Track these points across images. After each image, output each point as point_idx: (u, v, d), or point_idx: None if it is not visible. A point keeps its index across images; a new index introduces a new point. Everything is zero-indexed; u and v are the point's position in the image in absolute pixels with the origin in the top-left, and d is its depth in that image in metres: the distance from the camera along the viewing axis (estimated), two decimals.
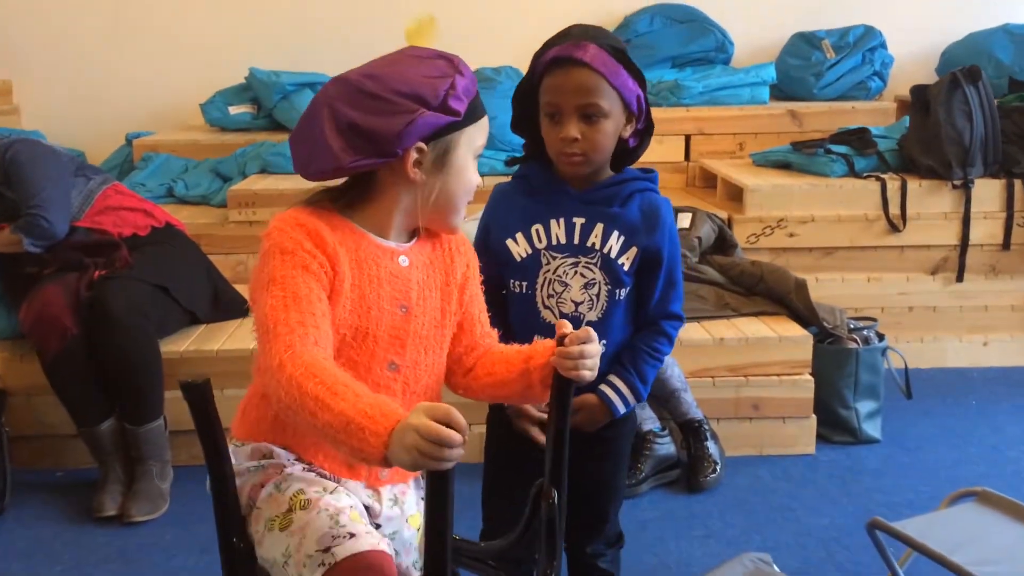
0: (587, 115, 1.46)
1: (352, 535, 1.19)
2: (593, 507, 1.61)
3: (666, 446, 2.54)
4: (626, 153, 1.57)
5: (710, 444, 2.55)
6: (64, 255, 2.52)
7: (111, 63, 4.34)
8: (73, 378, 2.39)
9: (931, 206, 3.35)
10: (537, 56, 1.54)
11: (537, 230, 1.54)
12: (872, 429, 2.81)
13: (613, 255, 1.53)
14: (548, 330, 1.51)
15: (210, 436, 1.23)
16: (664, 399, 2.56)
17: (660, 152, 3.99)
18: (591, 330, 1.27)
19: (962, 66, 3.49)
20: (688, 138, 4.02)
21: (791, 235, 3.33)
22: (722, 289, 2.95)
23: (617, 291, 1.54)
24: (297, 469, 1.28)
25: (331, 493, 1.25)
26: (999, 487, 2.45)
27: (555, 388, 1.26)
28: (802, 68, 4.24)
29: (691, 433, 2.55)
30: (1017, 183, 3.34)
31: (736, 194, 3.47)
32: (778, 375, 2.68)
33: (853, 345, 2.80)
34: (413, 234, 1.33)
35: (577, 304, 1.53)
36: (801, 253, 3.34)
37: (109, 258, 2.51)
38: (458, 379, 1.41)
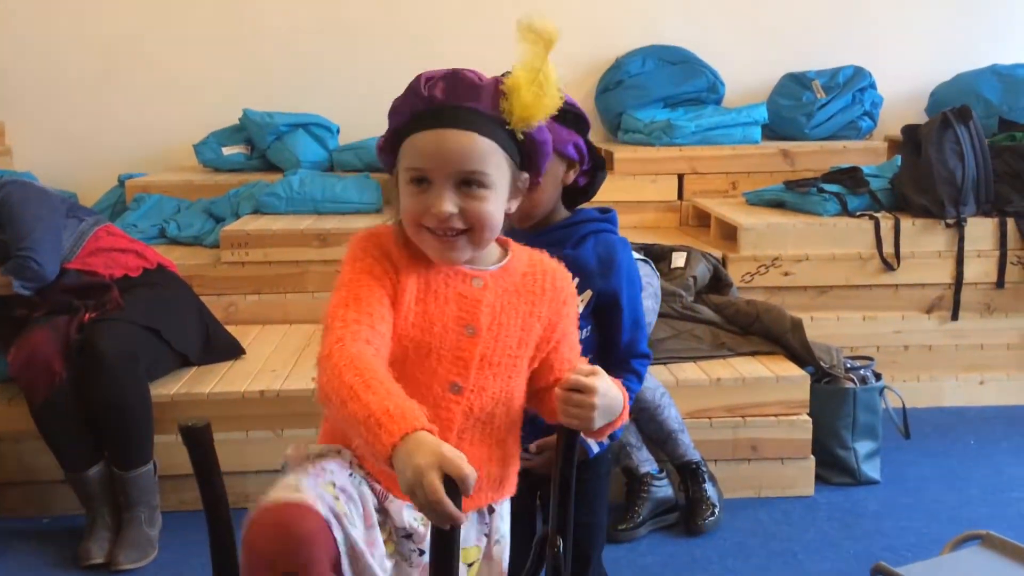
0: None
1: (297, 490, 1.14)
2: (574, 551, 1.58)
3: (664, 489, 2.51)
4: (579, 192, 1.59)
5: (708, 486, 2.51)
6: (54, 297, 2.50)
7: (104, 104, 4.34)
8: (61, 423, 2.35)
9: (925, 245, 3.35)
10: None
11: None
12: (871, 470, 2.78)
13: None
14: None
15: (210, 482, 1.20)
16: (661, 441, 2.53)
17: (654, 191, 4.01)
18: (595, 369, 1.23)
19: (952, 106, 3.53)
20: (681, 177, 4.03)
21: (786, 274, 3.33)
22: (718, 328, 2.93)
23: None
24: (345, 472, 1.23)
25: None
26: (1002, 529, 2.42)
27: (560, 435, 1.23)
28: (793, 108, 4.28)
29: (689, 475, 2.52)
30: (1010, 221, 3.35)
31: (730, 233, 3.48)
32: (776, 416, 2.66)
33: (850, 385, 2.78)
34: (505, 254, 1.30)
35: None
36: (796, 292, 3.34)
37: (99, 300, 2.48)
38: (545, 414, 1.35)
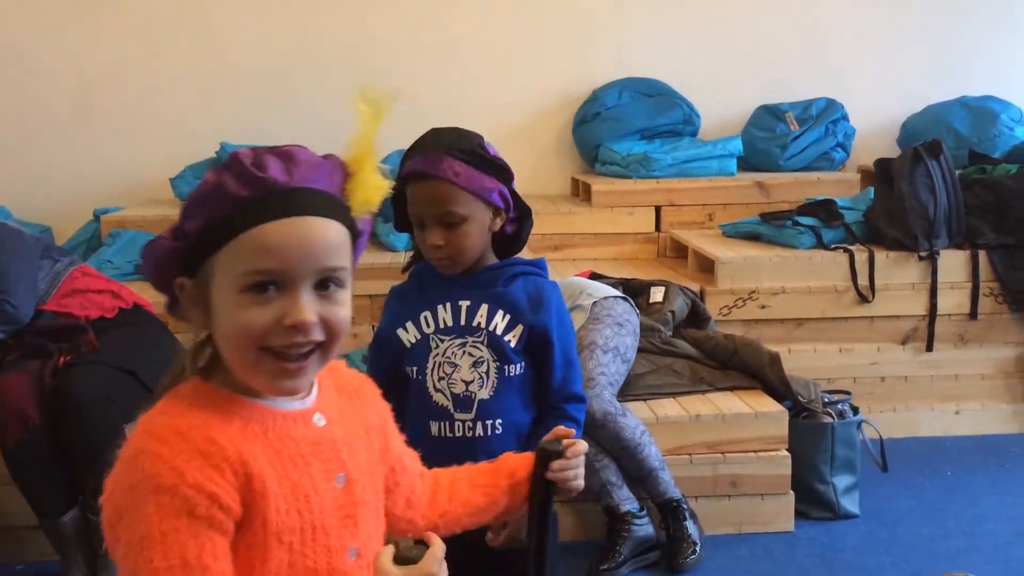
0: (446, 223, 1.54)
1: None
2: None
3: (644, 527, 2.51)
4: (509, 240, 1.64)
5: (689, 524, 2.52)
6: (28, 340, 2.47)
7: (79, 138, 4.31)
8: (35, 468, 2.32)
9: (899, 277, 3.39)
10: (401, 162, 1.62)
11: (426, 316, 1.60)
12: (850, 504, 2.80)
13: (499, 332, 1.58)
14: (439, 413, 1.58)
15: None
16: (642, 479, 2.53)
17: (631, 223, 4.04)
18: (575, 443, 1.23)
19: (923, 138, 3.59)
20: (659, 209, 4.06)
21: (763, 307, 3.36)
22: (697, 363, 2.94)
23: (506, 367, 1.58)
24: None
25: None
26: (979, 562, 2.46)
27: (537, 498, 1.22)
28: (767, 140, 4.33)
29: (670, 513, 2.52)
30: (982, 254, 3.40)
31: (708, 265, 3.50)
32: (755, 451, 2.67)
33: (828, 419, 2.80)
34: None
35: (468, 383, 1.57)
36: (773, 324, 3.37)
37: (75, 343, 2.45)
38: (414, 523, 1.19)
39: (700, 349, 3.01)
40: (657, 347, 2.95)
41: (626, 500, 2.51)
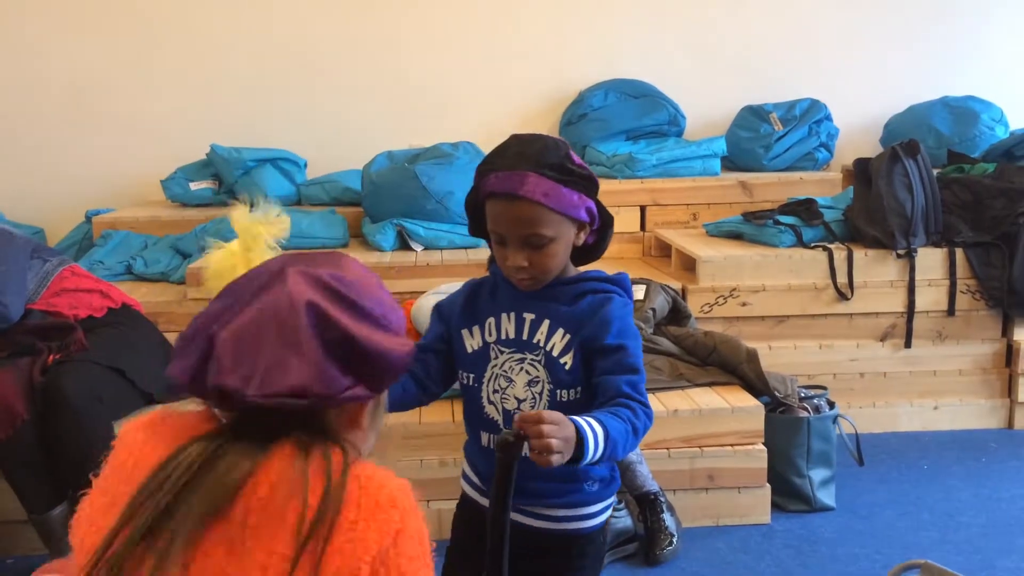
0: (531, 244, 1.46)
1: None
2: None
3: (623, 519, 2.56)
4: (587, 249, 1.55)
5: (666, 516, 2.57)
6: (18, 338, 2.51)
7: (71, 140, 4.37)
8: (23, 464, 2.37)
9: (877, 275, 3.45)
10: (480, 172, 1.52)
11: (489, 323, 1.54)
12: (826, 497, 2.85)
13: (555, 353, 1.51)
14: (490, 426, 1.53)
15: None
16: (620, 472, 2.57)
17: (617, 223, 4.01)
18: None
19: (904, 138, 3.64)
20: (643, 209, 4.12)
21: (744, 304, 3.41)
22: (677, 360, 3.00)
23: (559, 392, 1.50)
24: None
25: None
26: (951, 553, 2.52)
27: (495, 477, 1.27)
28: (751, 140, 4.38)
29: (647, 505, 2.57)
30: (959, 251, 3.46)
31: (690, 264, 3.56)
32: (732, 445, 2.72)
33: (804, 414, 2.85)
34: None
35: (520, 401, 1.51)
36: (754, 322, 3.42)
37: (64, 341, 2.50)
38: None
39: (680, 346, 3.06)
40: None
41: None
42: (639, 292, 3.18)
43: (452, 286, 2.97)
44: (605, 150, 4.24)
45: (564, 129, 4.47)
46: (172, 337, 2.91)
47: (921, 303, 3.45)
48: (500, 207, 1.46)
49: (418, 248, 3.58)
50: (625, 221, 4.08)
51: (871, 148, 4.48)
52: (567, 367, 1.49)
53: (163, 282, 3.54)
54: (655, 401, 2.78)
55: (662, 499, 2.59)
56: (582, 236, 1.51)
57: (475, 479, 1.62)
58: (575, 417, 1.31)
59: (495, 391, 1.53)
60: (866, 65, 4.64)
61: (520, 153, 1.46)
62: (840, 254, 3.44)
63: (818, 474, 2.84)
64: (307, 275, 0.98)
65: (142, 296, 3.19)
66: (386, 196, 3.69)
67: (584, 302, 1.50)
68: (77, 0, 4.31)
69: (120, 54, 4.35)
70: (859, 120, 4.62)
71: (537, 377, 1.51)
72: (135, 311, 2.81)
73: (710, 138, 4.29)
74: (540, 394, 1.50)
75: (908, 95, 4.57)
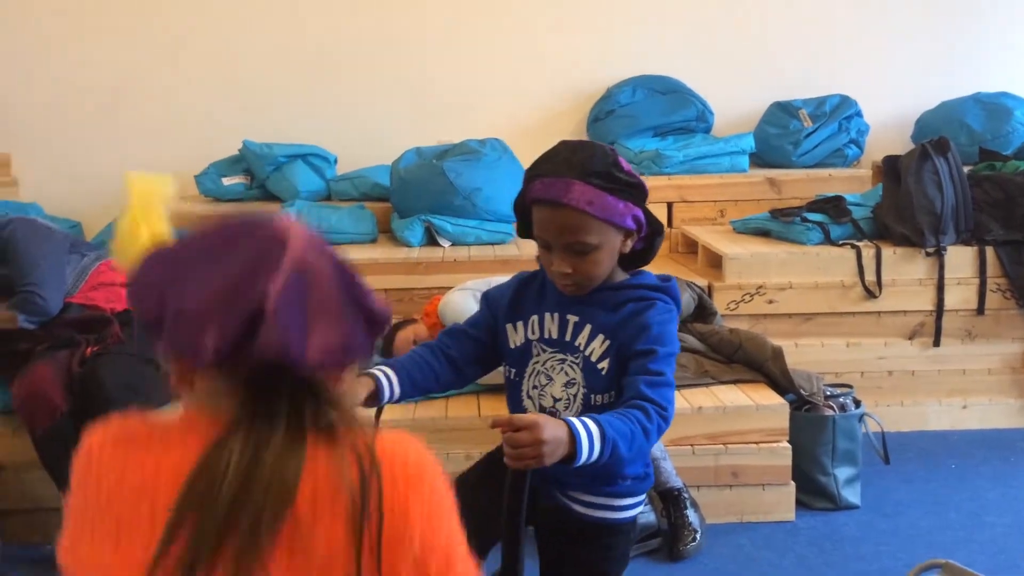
0: (575, 251, 1.47)
1: None
2: None
3: (646, 515, 2.58)
4: (636, 255, 1.56)
5: (690, 512, 2.59)
6: (57, 331, 2.59)
7: (107, 136, 4.45)
8: (62, 453, 2.43)
9: (906, 273, 3.43)
10: (527, 177, 1.53)
11: (533, 321, 1.57)
12: (851, 495, 2.85)
13: (593, 358, 1.53)
14: None
15: None
16: None
17: None
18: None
19: (937, 135, 3.62)
20: (670, 205, 4.12)
21: (770, 302, 3.41)
22: (702, 357, 3.01)
23: (593, 396, 1.52)
24: None
25: None
26: (975, 553, 2.51)
27: (508, 481, 1.30)
28: (780, 136, 4.37)
29: (671, 501, 2.59)
30: (989, 250, 3.43)
31: (717, 261, 3.56)
32: (756, 443, 2.73)
33: (830, 412, 2.86)
34: None
35: (556, 400, 1.54)
36: (780, 319, 3.42)
37: (101, 334, 2.57)
38: None
39: (706, 343, 3.07)
40: None
41: None
42: None
43: (479, 282, 3.00)
44: (632, 146, 4.25)
45: (592, 126, 4.48)
46: None
47: (950, 301, 3.43)
48: (545, 214, 1.48)
49: (445, 244, 3.62)
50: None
51: (902, 144, 4.45)
52: (603, 372, 1.52)
53: None
54: (679, 398, 2.79)
55: (686, 495, 2.60)
56: (629, 243, 1.52)
57: None
58: (570, 417, 1.34)
59: (534, 387, 1.56)
60: (897, 61, 4.60)
61: (567, 160, 1.47)
62: (868, 252, 3.43)
63: (843, 472, 2.84)
64: (308, 236, 0.96)
65: None
66: (414, 192, 3.73)
67: (626, 309, 1.51)
68: (112, 3, 4.39)
69: (154, 53, 4.43)
70: (890, 116, 4.59)
71: (574, 379, 1.54)
72: None
73: (738, 135, 4.28)
74: (575, 396, 1.53)
75: (940, 91, 4.52)
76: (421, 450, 0.98)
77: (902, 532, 2.69)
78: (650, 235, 1.55)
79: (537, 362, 1.57)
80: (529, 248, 3.50)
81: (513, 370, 1.59)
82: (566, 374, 1.54)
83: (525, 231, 1.58)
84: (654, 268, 3.73)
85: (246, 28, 4.44)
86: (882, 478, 2.99)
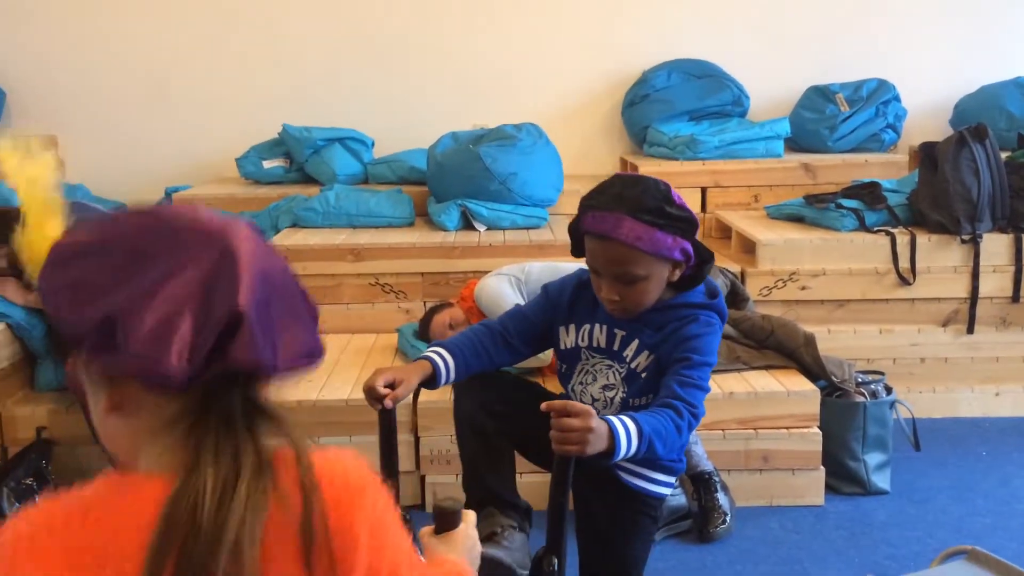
0: (623, 281, 1.57)
1: None
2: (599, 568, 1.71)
3: (678, 497, 2.63)
4: (685, 280, 1.64)
5: (720, 495, 2.63)
6: None
7: (150, 119, 4.56)
8: None
9: (940, 260, 3.43)
10: (581, 207, 1.61)
11: (584, 329, 1.69)
12: (881, 480, 2.88)
13: (639, 369, 1.64)
14: None
15: None
16: None
17: None
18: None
19: (976, 120, 3.60)
20: (704, 190, 4.14)
21: (803, 288, 3.43)
22: (734, 343, 3.04)
23: (631, 400, 1.65)
24: None
25: None
26: (1004, 540, 2.54)
27: (554, 462, 1.37)
28: (816, 121, 4.36)
29: (702, 485, 2.64)
30: None
31: (750, 247, 3.58)
32: (787, 428, 2.77)
33: (861, 399, 2.88)
34: None
35: (595, 400, 1.66)
36: (813, 305, 3.44)
37: None
38: None
39: (738, 329, 3.10)
40: None
41: None
42: None
43: (514, 267, 3.06)
44: (667, 131, 4.26)
45: (627, 110, 4.51)
46: None
47: (985, 289, 3.42)
48: (595, 245, 1.58)
49: (481, 228, 3.67)
50: (686, 202, 4.11)
51: (940, 129, 4.43)
52: (644, 377, 1.64)
53: None
54: (711, 383, 2.82)
55: (716, 479, 2.65)
56: (677, 273, 1.61)
57: None
58: (609, 416, 1.41)
59: (580, 383, 1.70)
60: (936, 45, 4.57)
61: (619, 196, 1.55)
62: (903, 239, 3.43)
63: (873, 458, 2.87)
64: (252, 234, 0.90)
65: None
66: (450, 177, 3.78)
67: (670, 327, 1.61)
68: None
69: (196, 37, 4.52)
70: (928, 101, 4.56)
71: (613, 384, 1.66)
72: None
73: (773, 120, 4.28)
74: (612, 399, 1.64)
75: (979, 75, 4.48)
76: (360, 465, 0.94)
77: (931, 518, 2.72)
78: (699, 264, 1.63)
79: (586, 363, 1.70)
80: (563, 234, 3.54)
81: (564, 365, 1.73)
82: (608, 378, 1.66)
83: (578, 251, 1.67)
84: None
85: (287, 13, 4.51)
86: (913, 464, 3.01)
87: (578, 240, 1.66)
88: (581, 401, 1.66)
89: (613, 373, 1.65)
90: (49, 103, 4.54)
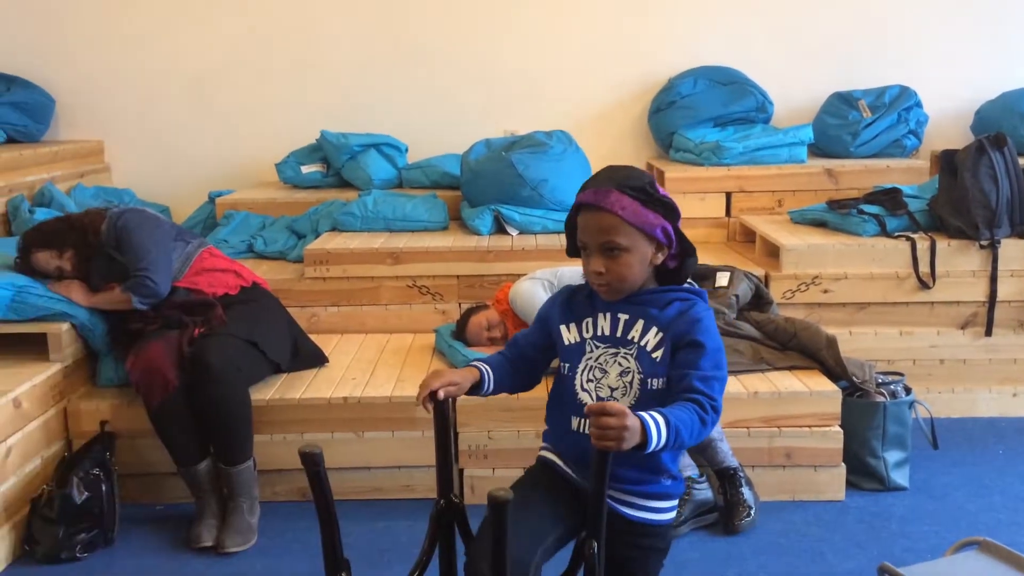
0: (609, 250, 1.67)
1: None
2: None
3: (704, 491, 2.77)
4: (670, 274, 1.76)
5: (745, 490, 2.76)
6: (166, 313, 2.85)
7: (194, 126, 4.73)
8: (174, 424, 2.70)
9: (959, 264, 3.53)
10: (578, 194, 1.74)
11: (587, 322, 1.76)
12: (900, 477, 3.00)
13: (649, 348, 1.69)
14: (582, 411, 1.71)
15: (321, 490, 1.51)
16: (702, 448, 2.78)
17: (703, 208, 4.25)
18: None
19: (997, 126, 3.70)
20: (729, 195, 4.26)
21: (825, 291, 3.55)
22: (758, 344, 3.16)
23: (650, 380, 1.68)
24: None
25: None
26: (1018, 534, 2.65)
27: (593, 456, 1.50)
28: (839, 127, 4.46)
29: (727, 479, 2.77)
30: None
31: (774, 251, 3.70)
32: (809, 426, 2.89)
33: (881, 399, 3.00)
34: None
35: (613, 389, 1.70)
36: (835, 308, 3.55)
37: (206, 316, 2.83)
38: None
39: (762, 331, 3.22)
40: (721, 329, 3.17)
41: (687, 467, 2.77)
42: (723, 279, 3.34)
43: (547, 271, 3.20)
44: (693, 137, 4.38)
45: (653, 116, 4.63)
46: (292, 311, 3.24)
47: (1003, 293, 3.52)
48: (585, 218, 1.70)
49: (513, 232, 3.81)
50: (711, 207, 4.24)
51: (962, 135, 4.52)
52: (657, 360, 1.68)
53: (281, 260, 3.86)
54: (736, 383, 2.97)
55: (741, 474, 2.78)
56: (660, 256, 1.71)
57: (559, 462, 1.79)
58: (640, 412, 1.52)
59: (589, 380, 1.73)
60: (957, 52, 4.65)
61: (609, 176, 1.71)
62: (923, 244, 3.53)
63: (893, 456, 2.99)
64: None
65: (263, 274, 3.50)
66: (484, 182, 3.92)
67: (673, 307, 1.71)
68: None
69: (238, 48, 4.68)
70: (950, 107, 4.65)
71: (629, 368, 1.70)
72: (263, 288, 3.13)
73: (797, 126, 4.39)
74: (631, 383, 1.69)
75: (1000, 82, 4.57)
76: None
77: (948, 513, 2.83)
78: (682, 254, 1.74)
79: (590, 358, 1.73)
80: None
81: (567, 364, 1.76)
82: (620, 365, 1.70)
83: (573, 249, 1.77)
84: (714, 258, 3.86)
85: (325, 25, 4.66)
86: (931, 462, 3.13)
87: (573, 235, 1.75)
88: (598, 397, 1.70)
89: (623, 358, 1.70)
90: (96, 111, 4.72)
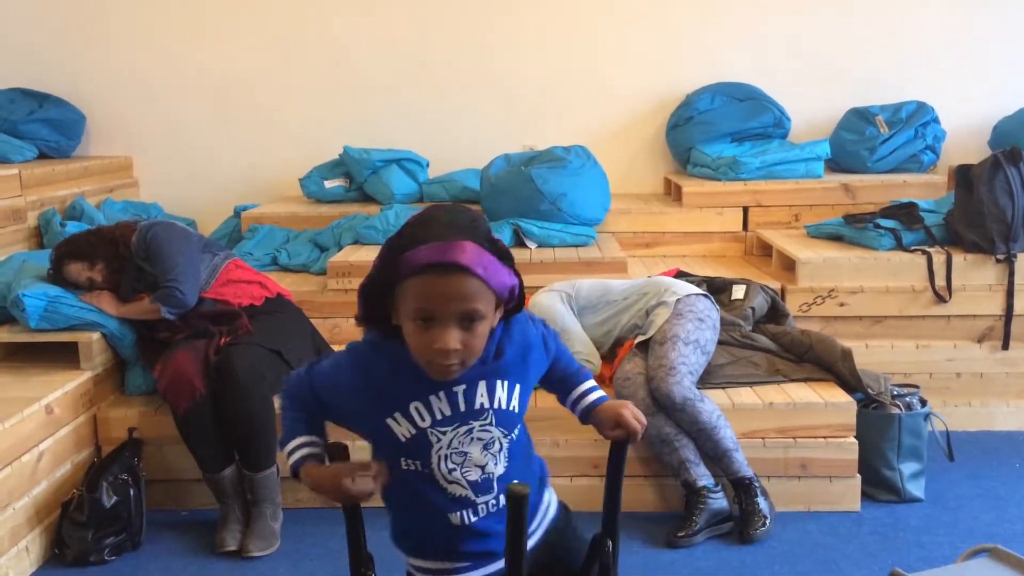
0: (469, 321, 1.31)
1: None
2: None
3: (719, 501, 2.80)
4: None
5: (760, 500, 2.79)
6: (193, 322, 2.93)
7: (219, 141, 4.83)
8: (200, 431, 2.77)
9: (976, 279, 3.55)
10: (396, 249, 1.32)
11: (416, 408, 1.38)
12: (915, 489, 3.01)
13: (503, 405, 1.41)
14: (461, 503, 1.43)
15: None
16: (718, 458, 2.82)
17: (720, 223, 4.29)
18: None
19: (1015, 141, 3.72)
20: (746, 210, 4.30)
21: (841, 304, 3.57)
22: (774, 356, 3.20)
23: (512, 435, 1.44)
24: None
25: None
26: None
27: (611, 451, 1.55)
28: (856, 142, 4.49)
29: (743, 489, 2.80)
30: None
31: (790, 264, 3.73)
32: (824, 438, 2.92)
33: (896, 411, 3.02)
34: None
35: (483, 467, 1.42)
36: (851, 321, 3.58)
37: (232, 326, 2.90)
38: None
39: (778, 343, 3.26)
40: (737, 340, 3.22)
41: (703, 476, 2.80)
42: (739, 292, 3.38)
43: (565, 284, 3.25)
44: (710, 152, 4.42)
45: (670, 131, 4.68)
46: (315, 321, 3.31)
47: (1019, 307, 3.54)
48: (431, 283, 1.29)
49: (532, 246, 3.87)
50: (728, 221, 4.28)
51: (979, 150, 4.54)
52: (516, 410, 1.44)
53: (304, 272, 3.94)
54: (752, 394, 3.00)
55: (756, 484, 2.81)
56: (497, 316, 1.39)
57: (458, 565, 1.48)
58: (596, 387, 1.62)
59: (451, 469, 1.41)
60: (974, 67, 4.68)
61: (450, 223, 1.33)
62: (939, 258, 3.56)
63: (908, 467, 3.01)
64: None
65: (287, 285, 3.57)
66: (503, 197, 3.98)
67: (509, 348, 1.43)
68: (223, 15, 4.76)
69: (263, 64, 4.78)
70: (967, 122, 4.67)
71: (492, 438, 1.42)
72: (287, 300, 3.21)
73: (814, 141, 4.42)
74: (499, 452, 1.43)
75: (1018, 97, 4.59)
76: None
77: (962, 524, 2.85)
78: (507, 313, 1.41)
79: (440, 447, 1.40)
80: (611, 251, 3.73)
81: (417, 462, 1.41)
82: (480, 439, 1.41)
83: (372, 317, 1.38)
84: (731, 272, 3.88)
85: (348, 42, 4.76)
86: (947, 474, 3.14)
87: (376, 303, 1.37)
88: (465, 479, 1.42)
89: (482, 431, 1.40)
90: (125, 126, 4.84)
